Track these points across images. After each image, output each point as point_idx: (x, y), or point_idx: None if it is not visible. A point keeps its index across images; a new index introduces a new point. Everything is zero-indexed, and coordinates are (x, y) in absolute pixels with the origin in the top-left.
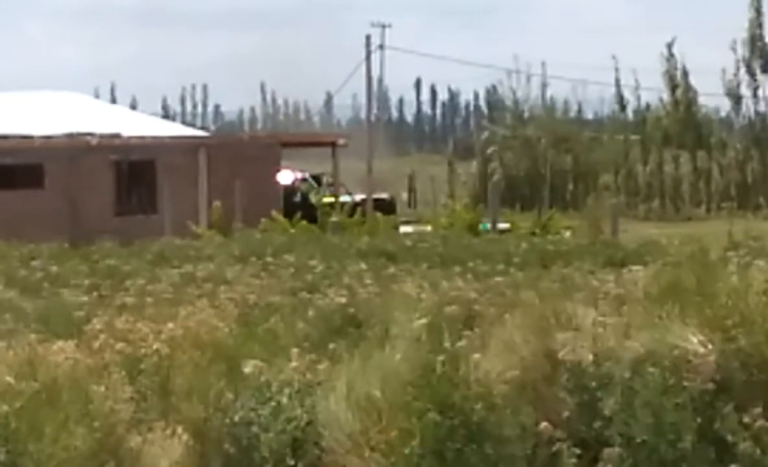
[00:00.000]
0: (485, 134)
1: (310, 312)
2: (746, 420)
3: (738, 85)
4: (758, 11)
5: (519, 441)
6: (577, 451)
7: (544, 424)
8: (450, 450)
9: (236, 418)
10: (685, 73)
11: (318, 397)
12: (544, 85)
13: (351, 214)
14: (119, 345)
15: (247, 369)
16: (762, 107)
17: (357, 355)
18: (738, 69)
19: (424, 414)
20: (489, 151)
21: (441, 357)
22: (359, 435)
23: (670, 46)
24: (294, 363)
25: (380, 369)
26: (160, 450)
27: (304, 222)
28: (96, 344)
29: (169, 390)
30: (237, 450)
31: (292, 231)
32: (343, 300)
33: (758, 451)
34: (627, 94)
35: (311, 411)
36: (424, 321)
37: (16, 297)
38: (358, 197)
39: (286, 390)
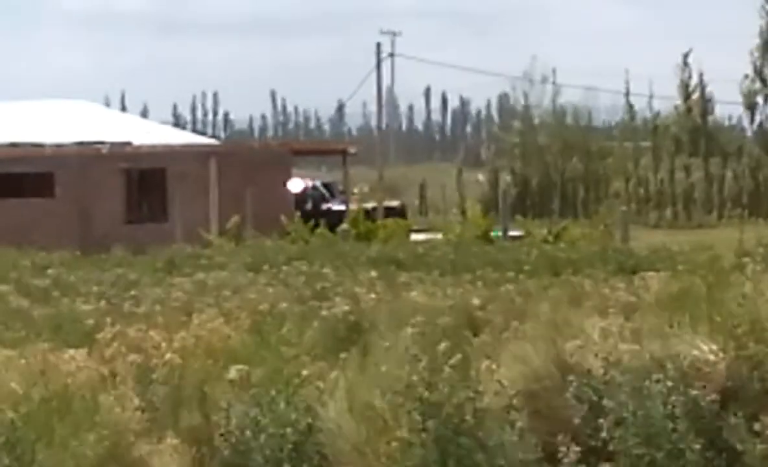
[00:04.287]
0: (496, 142)
1: (316, 322)
2: (757, 428)
3: (754, 93)
4: None
5: (528, 449)
6: (587, 460)
7: (561, 436)
8: (457, 457)
9: (233, 424)
10: (701, 82)
11: (319, 403)
12: (555, 93)
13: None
14: (131, 356)
15: (231, 375)
16: None
17: (358, 363)
18: (754, 76)
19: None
20: (499, 159)
21: (449, 364)
22: (364, 443)
23: (685, 56)
24: (305, 372)
25: (382, 377)
26: (169, 458)
27: (320, 229)
28: (108, 352)
29: (179, 399)
30: (236, 456)
31: (309, 238)
32: (347, 308)
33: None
34: (639, 102)
35: (308, 416)
36: (429, 328)
37: (28, 306)
38: (369, 205)
39: (284, 395)
